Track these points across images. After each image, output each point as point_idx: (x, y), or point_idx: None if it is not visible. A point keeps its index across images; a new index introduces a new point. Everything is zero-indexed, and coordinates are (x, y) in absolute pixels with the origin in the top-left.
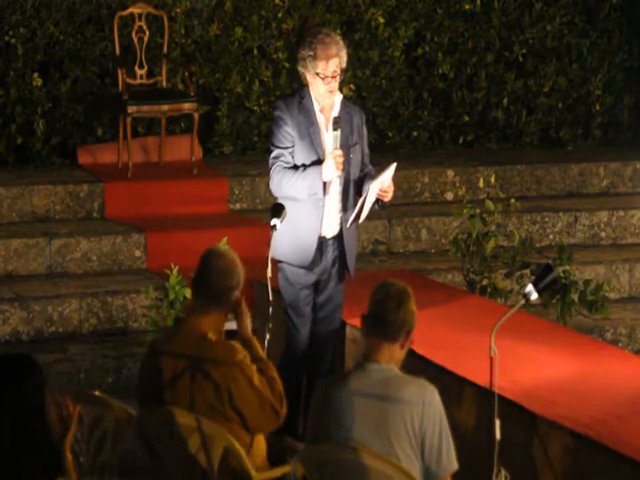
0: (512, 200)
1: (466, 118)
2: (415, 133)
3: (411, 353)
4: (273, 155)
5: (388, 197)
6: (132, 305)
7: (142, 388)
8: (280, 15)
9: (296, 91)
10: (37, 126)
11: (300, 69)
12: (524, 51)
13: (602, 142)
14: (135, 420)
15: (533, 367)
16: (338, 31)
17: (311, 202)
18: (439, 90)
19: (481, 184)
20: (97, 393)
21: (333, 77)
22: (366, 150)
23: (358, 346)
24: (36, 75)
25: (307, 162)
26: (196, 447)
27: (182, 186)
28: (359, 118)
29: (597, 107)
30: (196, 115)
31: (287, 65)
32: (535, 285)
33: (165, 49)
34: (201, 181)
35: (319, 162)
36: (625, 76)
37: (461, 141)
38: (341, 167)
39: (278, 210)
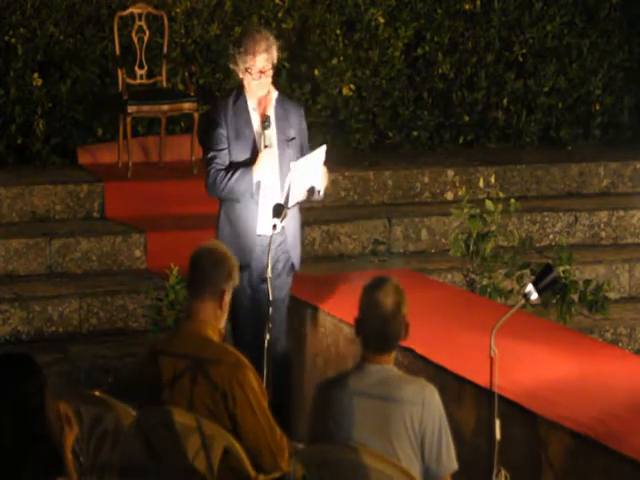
0: (512, 200)
1: (466, 118)
2: (415, 133)
3: (411, 353)
4: (208, 156)
5: (322, 183)
6: (132, 305)
7: (141, 389)
8: (280, 15)
9: (231, 92)
10: (37, 126)
11: (232, 66)
12: (524, 51)
13: (602, 142)
14: (135, 420)
15: (533, 367)
16: (338, 31)
17: (247, 200)
18: (439, 90)
19: (481, 184)
20: (97, 393)
21: (262, 72)
22: (306, 144)
23: (357, 346)
24: (36, 75)
25: (244, 160)
26: (196, 447)
27: (182, 186)
28: (297, 113)
29: (597, 107)
30: (196, 115)
31: (287, 65)
32: (535, 285)
33: (165, 49)
34: (201, 181)
35: (254, 160)
36: (625, 76)
37: (461, 141)
38: (270, 166)
39: (278, 210)
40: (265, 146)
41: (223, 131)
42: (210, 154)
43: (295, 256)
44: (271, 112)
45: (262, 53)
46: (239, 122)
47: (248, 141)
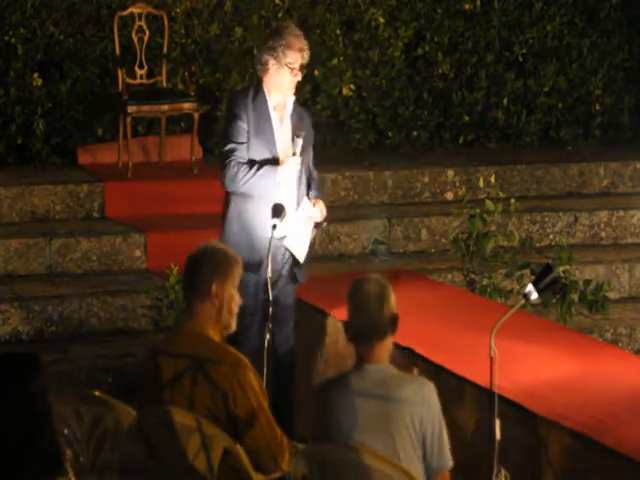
0: (512, 200)
1: (466, 118)
2: (415, 133)
3: (411, 353)
4: (227, 149)
5: (320, 213)
6: (132, 305)
7: (141, 390)
8: (280, 15)
9: (249, 86)
10: (37, 126)
11: (267, 58)
12: (524, 51)
13: (602, 142)
14: (135, 420)
15: (533, 367)
16: (338, 31)
17: (262, 201)
18: (439, 90)
19: (481, 184)
20: (97, 393)
21: (300, 70)
22: (311, 153)
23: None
24: (36, 75)
25: (261, 158)
26: (196, 447)
27: (182, 186)
28: (308, 121)
29: (597, 107)
30: (196, 115)
31: None
32: (535, 285)
33: (165, 49)
34: (201, 181)
35: (273, 160)
36: (625, 76)
37: (461, 141)
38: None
39: (278, 210)
40: (294, 153)
41: (244, 125)
42: (229, 146)
43: (299, 264)
44: (287, 115)
45: (303, 51)
46: (259, 119)
47: (267, 140)
